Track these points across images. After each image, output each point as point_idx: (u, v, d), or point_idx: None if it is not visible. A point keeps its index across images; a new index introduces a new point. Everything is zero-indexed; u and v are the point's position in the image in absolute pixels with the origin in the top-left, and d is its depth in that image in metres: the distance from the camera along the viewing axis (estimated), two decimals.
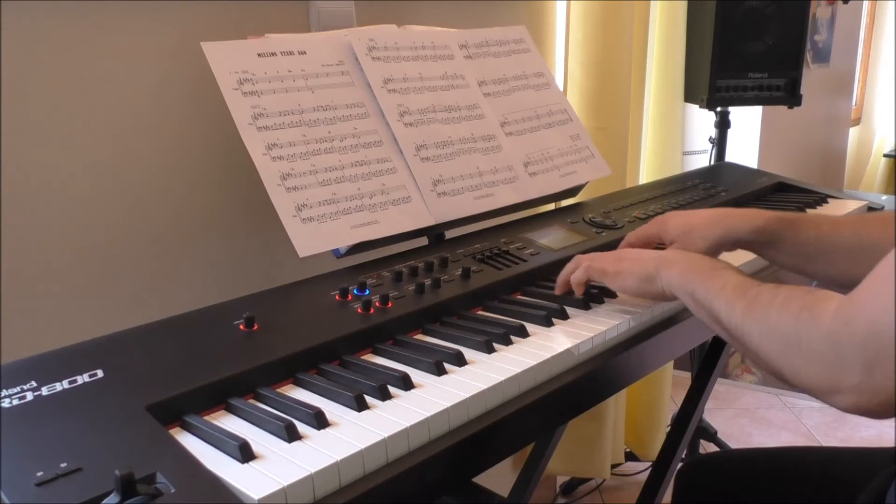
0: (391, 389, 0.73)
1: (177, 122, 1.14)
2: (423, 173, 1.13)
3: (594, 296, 0.98)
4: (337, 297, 0.90)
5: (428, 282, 0.95)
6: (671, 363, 2.26)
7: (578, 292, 0.96)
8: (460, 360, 0.80)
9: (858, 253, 0.91)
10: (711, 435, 2.25)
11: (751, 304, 0.74)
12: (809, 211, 1.44)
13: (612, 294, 0.98)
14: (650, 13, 1.96)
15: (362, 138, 1.10)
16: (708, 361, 1.48)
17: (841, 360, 0.62)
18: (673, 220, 1.03)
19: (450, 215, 1.14)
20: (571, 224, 1.23)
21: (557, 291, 0.98)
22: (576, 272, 0.96)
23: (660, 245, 1.06)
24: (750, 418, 2.65)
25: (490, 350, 0.83)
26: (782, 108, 2.03)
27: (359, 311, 0.87)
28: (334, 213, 1.02)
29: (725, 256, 1.00)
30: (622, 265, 0.92)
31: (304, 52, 1.11)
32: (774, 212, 1.00)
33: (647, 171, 2.12)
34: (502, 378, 0.76)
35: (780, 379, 0.72)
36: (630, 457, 2.28)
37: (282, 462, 0.62)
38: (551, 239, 1.16)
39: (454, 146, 1.19)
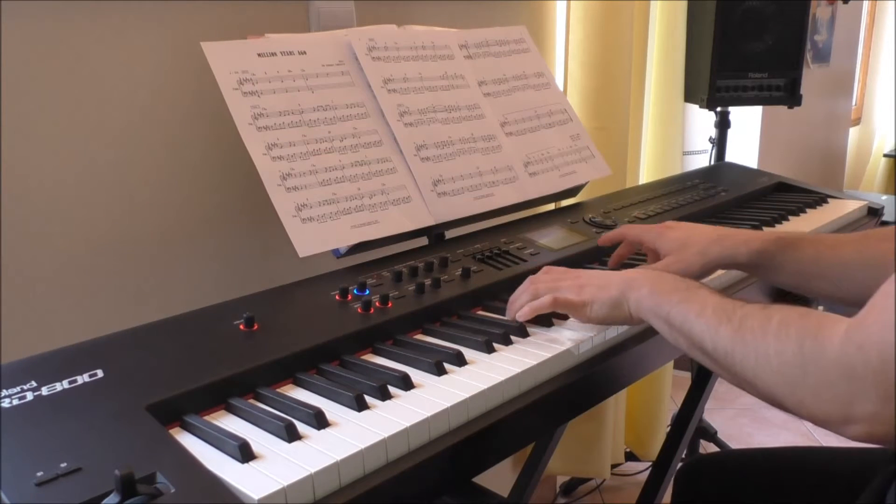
0: (391, 389, 0.73)
1: (177, 122, 1.14)
2: (423, 173, 1.13)
3: None
4: (337, 297, 0.90)
5: (428, 282, 0.95)
6: (671, 363, 2.26)
7: (525, 316, 0.87)
8: (460, 360, 0.80)
9: (862, 270, 0.88)
10: (711, 435, 2.25)
11: (739, 330, 0.69)
12: (809, 211, 1.44)
13: None
14: (650, 13, 1.96)
15: (362, 138, 1.10)
16: None
17: (854, 389, 0.59)
18: (672, 231, 1.00)
19: (450, 215, 1.14)
20: (571, 224, 1.23)
21: (509, 316, 0.90)
22: (539, 303, 0.87)
23: (639, 254, 1.05)
24: (750, 418, 2.65)
25: (490, 350, 0.83)
26: (782, 108, 2.03)
27: (359, 311, 0.87)
28: (334, 213, 1.02)
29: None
30: (586, 294, 0.85)
31: (304, 52, 1.11)
32: (772, 232, 0.98)
33: (647, 171, 2.12)
34: (502, 378, 0.76)
35: (780, 408, 0.68)
36: (630, 457, 2.28)
37: (282, 462, 0.62)
38: (551, 239, 1.16)
39: (454, 146, 1.19)
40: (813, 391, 0.62)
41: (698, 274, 0.95)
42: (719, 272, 1.05)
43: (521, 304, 0.89)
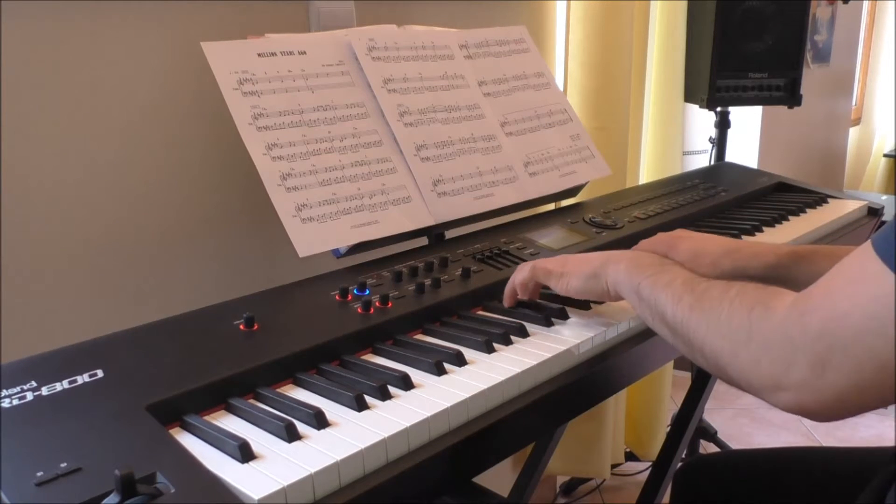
0: (391, 389, 0.73)
1: (177, 122, 1.14)
2: (423, 173, 1.13)
3: None
4: (337, 297, 0.90)
5: (428, 282, 0.95)
6: (671, 363, 2.26)
7: (521, 293, 0.92)
8: (460, 360, 0.80)
9: None
10: (711, 435, 2.25)
11: (699, 299, 0.71)
12: (809, 211, 1.44)
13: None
14: (650, 13, 1.96)
15: (362, 138, 1.10)
16: None
17: (791, 354, 0.60)
18: (685, 241, 1.00)
19: (450, 215, 1.14)
20: (571, 224, 1.23)
21: (506, 303, 0.94)
22: (520, 273, 0.92)
23: None
24: (750, 418, 2.65)
25: (490, 350, 0.83)
26: (782, 108, 2.03)
27: (359, 311, 0.87)
28: (334, 213, 1.02)
29: None
30: (567, 266, 0.89)
31: (304, 52, 1.11)
32: (785, 246, 0.97)
33: (647, 171, 2.12)
34: (502, 378, 0.76)
35: (721, 376, 0.70)
36: (630, 457, 2.28)
37: (282, 462, 0.62)
38: (551, 239, 1.16)
39: (454, 146, 1.19)
40: (753, 356, 0.64)
41: None
42: None
43: (509, 285, 0.93)
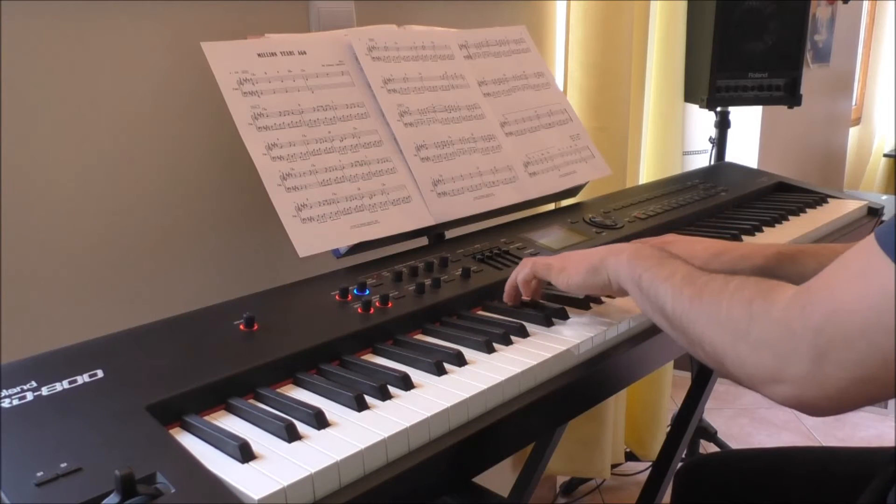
0: (391, 389, 0.73)
1: (177, 122, 1.14)
2: (423, 173, 1.13)
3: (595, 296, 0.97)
4: (337, 297, 0.90)
5: (428, 282, 0.95)
6: (671, 363, 2.26)
7: (525, 292, 0.93)
8: (460, 360, 0.80)
9: None
10: (711, 435, 2.25)
11: (699, 291, 0.71)
12: (809, 211, 1.44)
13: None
14: (650, 13, 1.96)
15: (362, 138, 1.10)
16: None
17: (791, 346, 0.60)
18: (673, 246, 0.99)
19: (450, 215, 1.14)
20: (571, 224, 1.23)
21: (506, 300, 0.95)
22: (521, 271, 0.92)
23: None
24: (750, 418, 2.65)
25: (490, 350, 0.83)
26: (782, 108, 2.03)
27: (359, 311, 0.87)
28: (334, 213, 1.02)
29: None
30: (568, 261, 0.89)
31: (304, 52, 1.11)
32: (771, 246, 0.98)
33: (647, 171, 2.12)
34: (502, 378, 0.76)
35: (720, 371, 0.70)
36: (630, 457, 2.28)
37: (282, 462, 0.62)
38: (551, 239, 1.16)
39: (454, 146, 1.19)
40: (752, 347, 0.64)
41: None
42: None
43: (510, 282, 0.94)
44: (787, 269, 0.94)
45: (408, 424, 0.67)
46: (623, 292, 0.85)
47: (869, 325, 0.56)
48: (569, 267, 0.88)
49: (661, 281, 0.76)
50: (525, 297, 0.94)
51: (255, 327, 0.82)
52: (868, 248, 0.58)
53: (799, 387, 0.60)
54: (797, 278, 0.92)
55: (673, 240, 1.03)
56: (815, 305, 0.59)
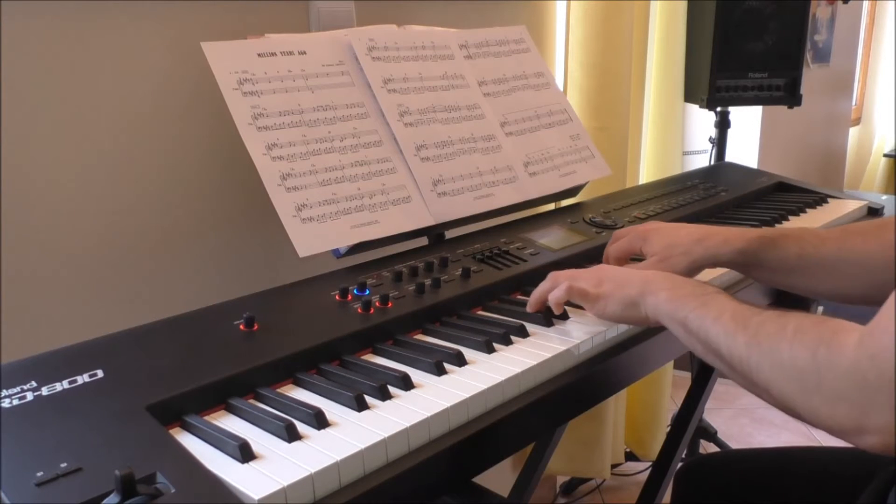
0: (391, 389, 0.73)
1: (177, 123, 1.14)
2: (423, 173, 1.13)
3: None
4: (337, 297, 0.90)
5: (428, 282, 0.95)
6: (671, 363, 2.26)
7: (557, 311, 0.90)
8: (460, 360, 0.80)
9: (843, 267, 0.89)
10: (711, 435, 2.25)
11: (755, 336, 0.69)
12: (809, 211, 1.44)
13: None
14: (650, 13, 1.96)
15: (362, 138, 1.10)
16: None
17: (869, 398, 0.58)
18: (655, 234, 1.00)
19: (450, 215, 1.14)
20: (571, 224, 1.23)
21: (530, 309, 0.92)
22: (555, 291, 0.88)
23: (637, 258, 1.04)
24: (750, 418, 2.65)
25: (490, 350, 0.83)
26: (782, 108, 2.03)
27: (359, 311, 0.87)
28: (334, 213, 1.02)
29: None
30: (603, 288, 0.86)
31: (304, 52, 1.11)
32: (756, 230, 0.98)
33: (647, 171, 2.12)
34: (502, 378, 0.76)
35: (794, 416, 0.68)
36: (630, 457, 2.28)
37: (282, 462, 0.62)
38: (551, 239, 1.16)
39: (454, 146, 1.19)
40: (827, 400, 0.62)
41: (685, 274, 0.94)
42: (721, 271, 1.05)
43: (539, 294, 0.91)
44: (768, 252, 0.94)
45: (408, 424, 0.67)
46: (661, 326, 0.83)
47: None
48: (604, 296, 0.85)
49: (710, 323, 0.74)
50: (556, 313, 0.91)
51: (255, 327, 0.82)
52: None
53: (886, 436, 0.59)
54: (778, 262, 0.94)
55: (656, 227, 1.02)
56: (885, 353, 0.57)
